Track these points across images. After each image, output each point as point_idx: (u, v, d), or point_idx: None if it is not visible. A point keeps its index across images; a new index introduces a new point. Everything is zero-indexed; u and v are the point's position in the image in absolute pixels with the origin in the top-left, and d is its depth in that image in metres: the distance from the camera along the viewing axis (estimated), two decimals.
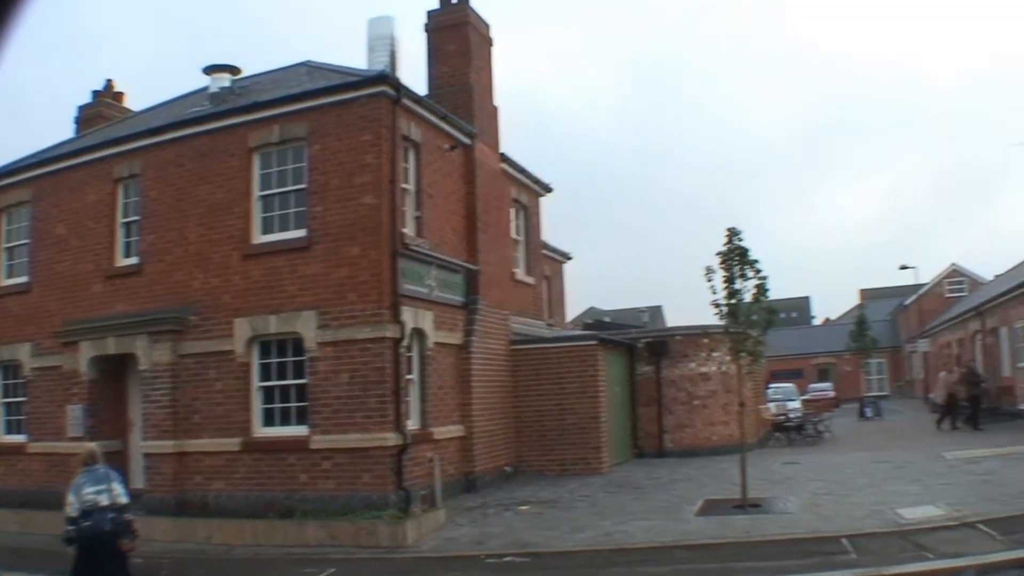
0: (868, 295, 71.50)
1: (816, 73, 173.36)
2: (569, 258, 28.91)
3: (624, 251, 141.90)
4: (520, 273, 19.53)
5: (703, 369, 20.52)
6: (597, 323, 25.73)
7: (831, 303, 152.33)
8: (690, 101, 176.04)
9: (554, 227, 67.68)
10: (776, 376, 38.62)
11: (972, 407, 23.92)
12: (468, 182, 16.63)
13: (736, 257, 12.47)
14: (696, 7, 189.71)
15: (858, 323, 39.53)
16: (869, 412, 33.78)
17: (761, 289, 12.42)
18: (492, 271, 17.06)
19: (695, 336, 20.75)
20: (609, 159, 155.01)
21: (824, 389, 47.21)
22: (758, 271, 12.44)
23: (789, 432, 23.80)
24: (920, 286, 47.51)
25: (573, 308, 42.87)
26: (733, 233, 12.58)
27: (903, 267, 44.07)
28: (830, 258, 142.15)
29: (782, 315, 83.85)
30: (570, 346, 18.12)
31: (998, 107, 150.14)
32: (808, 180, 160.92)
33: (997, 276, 37.76)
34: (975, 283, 49.94)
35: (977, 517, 9.91)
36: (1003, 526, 9.36)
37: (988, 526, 9.45)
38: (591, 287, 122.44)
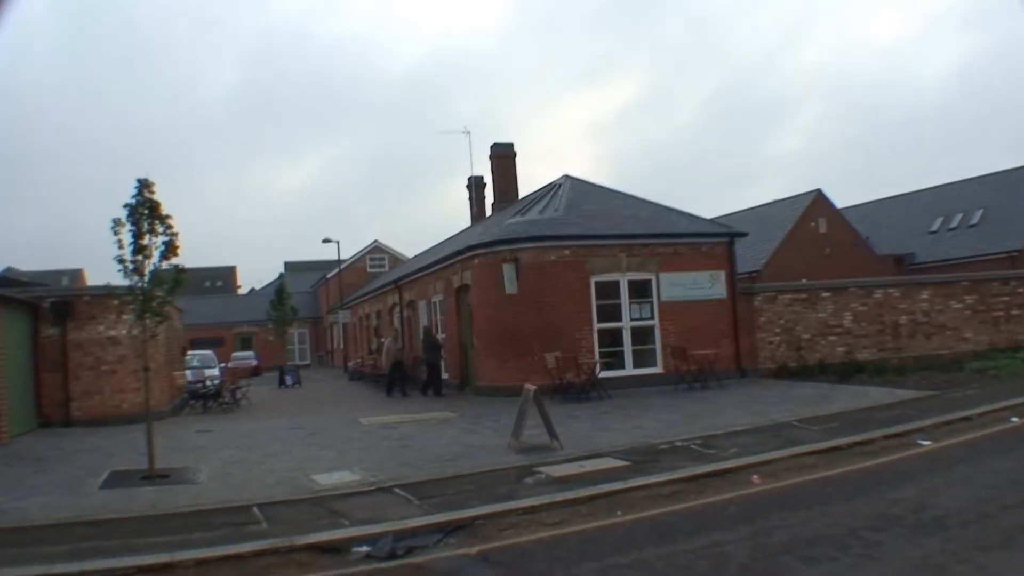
0: (293, 267, 73.84)
1: (259, 50, 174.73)
2: None
3: (52, 211, 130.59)
4: None
5: (112, 332, 19.37)
6: (2, 280, 22.51)
7: (258, 273, 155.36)
8: (132, 58, 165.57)
9: None
10: (197, 344, 37.79)
11: (431, 372, 23.80)
12: None
13: (146, 211, 11.52)
14: None
15: (278, 293, 40.24)
16: (289, 380, 34.72)
17: (171, 246, 11.67)
18: None
19: (102, 297, 19.40)
20: (52, 111, 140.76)
21: (247, 357, 47.84)
22: (170, 227, 11.66)
23: (206, 400, 23.42)
24: (343, 260, 50.12)
25: None
26: (144, 185, 11.60)
27: (326, 240, 45.96)
28: (260, 230, 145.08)
29: (207, 283, 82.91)
30: None
31: (434, 101, 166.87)
32: (243, 153, 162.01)
33: (417, 255, 40.07)
34: (396, 259, 54.47)
35: (393, 482, 10.17)
36: (419, 490, 9.66)
37: (405, 490, 9.70)
38: (16, 247, 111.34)
